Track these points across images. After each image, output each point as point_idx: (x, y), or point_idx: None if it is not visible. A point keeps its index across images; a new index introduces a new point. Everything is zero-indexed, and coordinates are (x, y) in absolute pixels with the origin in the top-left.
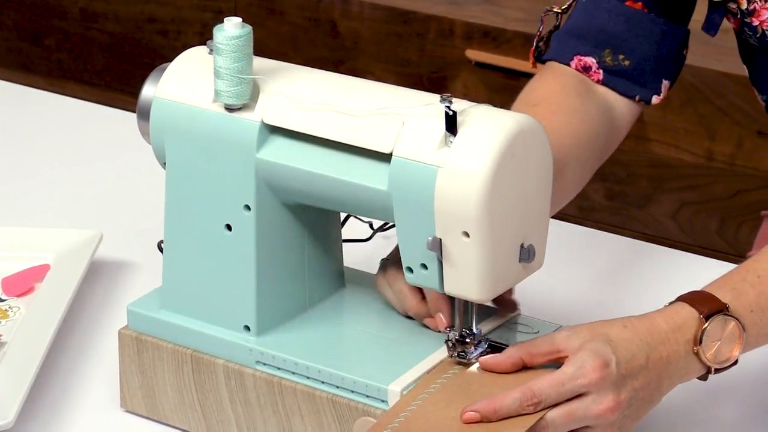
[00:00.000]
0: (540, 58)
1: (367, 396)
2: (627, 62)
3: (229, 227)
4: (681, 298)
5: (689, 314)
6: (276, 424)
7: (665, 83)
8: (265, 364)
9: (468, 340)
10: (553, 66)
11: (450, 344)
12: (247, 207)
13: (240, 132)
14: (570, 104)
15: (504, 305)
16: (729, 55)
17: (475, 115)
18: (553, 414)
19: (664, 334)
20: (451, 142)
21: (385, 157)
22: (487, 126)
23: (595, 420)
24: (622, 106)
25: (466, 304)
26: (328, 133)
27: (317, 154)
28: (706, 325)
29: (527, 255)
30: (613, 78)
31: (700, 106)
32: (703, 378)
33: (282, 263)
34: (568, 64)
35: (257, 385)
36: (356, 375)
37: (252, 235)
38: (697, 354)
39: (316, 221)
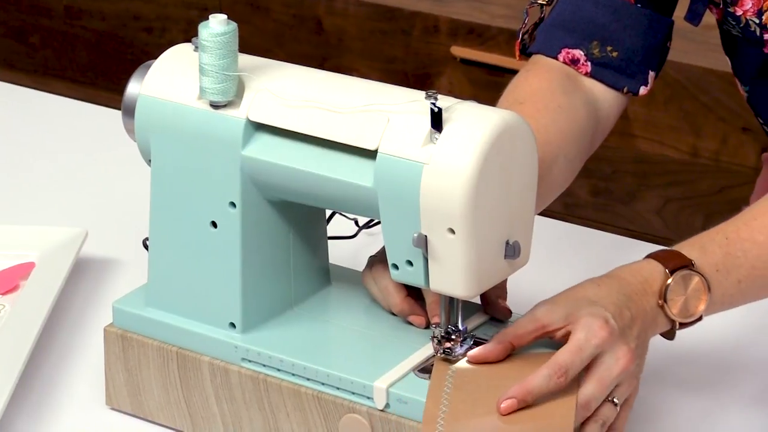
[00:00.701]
0: (525, 51)
1: (353, 393)
2: (615, 54)
3: (214, 224)
4: (648, 255)
5: (654, 268)
6: (261, 422)
7: (651, 74)
8: (250, 361)
9: (454, 336)
10: (540, 60)
11: (436, 341)
12: (233, 204)
13: (225, 129)
14: (556, 102)
15: (498, 312)
16: (714, 51)
17: (461, 112)
18: (587, 389)
19: (634, 287)
20: (437, 138)
21: (371, 154)
22: (473, 123)
23: (620, 376)
24: (609, 99)
25: (452, 301)
26: (313, 130)
27: (302, 151)
28: (670, 279)
29: (512, 252)
30: (602, 70)
31: (685, 102)
32: (670, 336)
33: (267, 260)
34: (556, 57)
35: (243, 383)
36: (342, 372)
37: (237, 232)
38: (662, 308)
39: (302, 218)
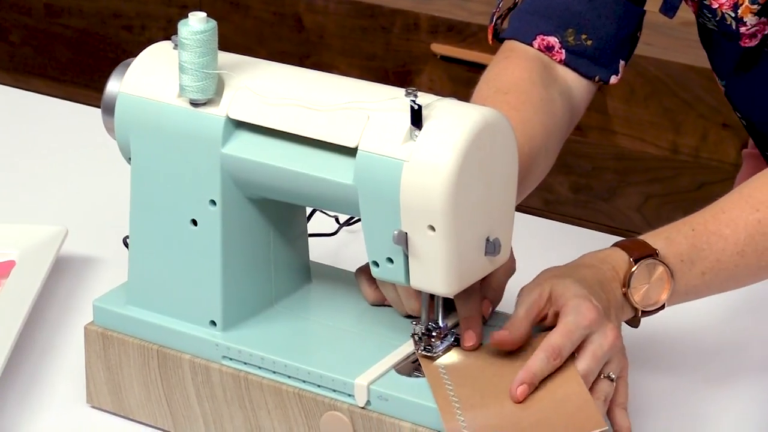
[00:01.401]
0: (499, 36)
1: (334, 390)
2: (589, 42)
3: (194, 222)
4: (615, 243)
5: (620, 257)
6: (243, 419)
7: (622, 63)
8: (231, 359)
9: (434, 333)
10: (515, 47)
11: (416, 338)
12: (213, 202)
13: (205, 127)
14: (538, 94)
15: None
16: (694, 47)
17: (441, 109)
18: (582, 364)
19: (604, 273)
20: (417, 135)
21: (351, 152)
22: (453, 120)
23: (610, 351)
24: (580, 87)
25: (433, 298)
26: (293, 127)
27: (282, 149)
28: (634, 267)
29: (493, 248)
30: (576, 58)
31: (665, 98)
32: (634, 323)
33: (248, 258)
34: (530, 44)
35: (223, 380)
36: (323, 369)
37: (218, 230)
38: (625, 295)
39: (282, 216)
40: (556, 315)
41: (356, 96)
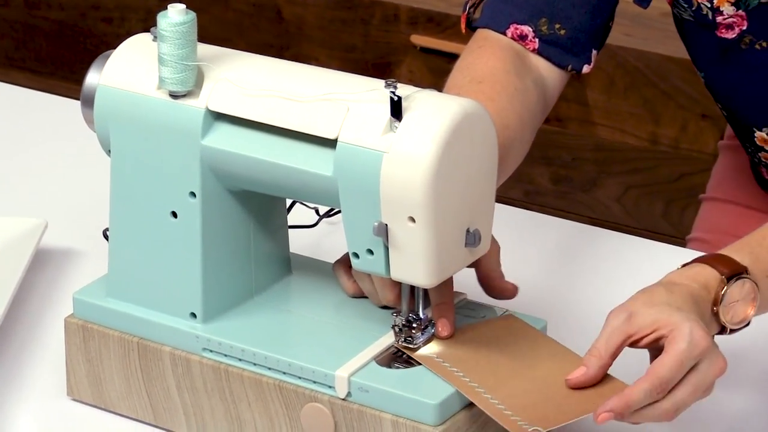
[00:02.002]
0: (472, 25)
1: (314, 382)
2: (563, 32)
3: (174, 214)
4: (700, 260)
5: (711, 275)
6: (223, 411)
7: (594, 53)
8: (211, 351)
9: (415, 325)
10: (488, 36)
11: (396, 329)
12: (193, 194)
13: (185, 119)
14: (512, 83)
15: (505, 291)
16: (673, 38)
17: (420, 101)
18: (680, 394)
19: (697, 292)
20: (396, 127)
21: (330, 143)
22: (432, 111)
23: (714, 380)
24: (553, 77)
25: (413, 289)
26: (272, 119)
27: (262, 141)
28: (726, 286)
29: (473, 240)
30: (549, 48)
31: (645, 89)
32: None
33: (228, 250)
34: (504, 33)
35: (204, 372)
36: (303, 361)
37: (197, 222)
38: (716, 314)
39: (262, 207)
40: (657, 340)
41: (336, 87)
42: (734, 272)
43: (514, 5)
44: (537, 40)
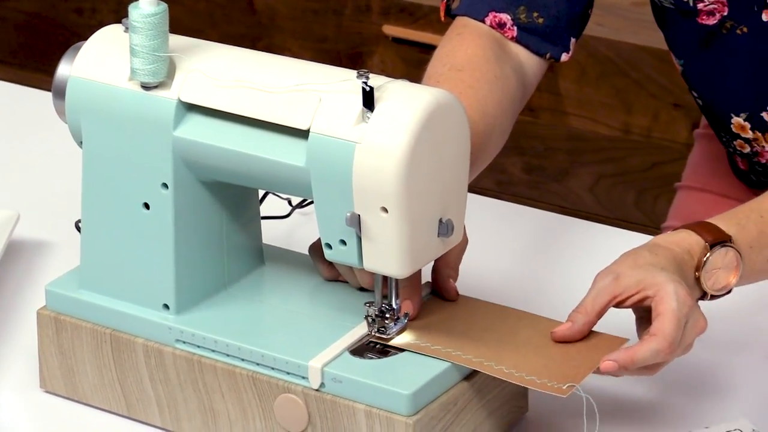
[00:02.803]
0: (451, 13)
1: (288, 373)
2: (541, 20)
3: (146, 206)
4: (686, 226)
5: (695, 241)
6: (196, 403)
7: (573, 41)
8: (184, 342)
9: (388, 315)
10: (467, 23)
11: (370, 320)
12: (165, 185)
13: (156, 110)
14: (492, 71)
15: (447, 292)
16: (646, 28)
17: (392, 91)
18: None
19: (680, 256)
20: (369, 117)
21: (303, 134)
22: (405, 101)
23: (693, 339)
24: (532, 65)
25: (386, 280)
26: (245, 110)
27: (234, 132)
28: (709, 253)
29: (446, 230)
30: (527, 36)
31: (617, 79)
32: None
33: (200, 241)
34: (482, 21)
35: (177, 364)
36: (276, 352)
37: (170, 214)
38: (697, 279)
39: (235, 199)
40: (642, 300)
41: (308, 78)
42: (718, 240)
43: None
44: (515, 28)
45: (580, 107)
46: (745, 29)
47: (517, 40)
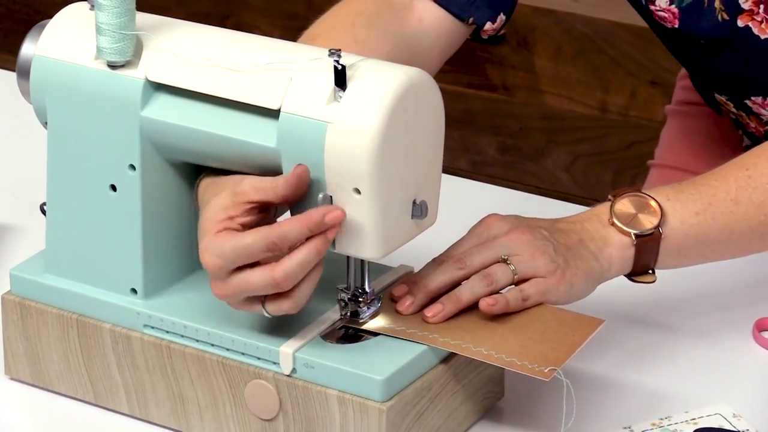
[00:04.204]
0: None
1: (259, 358)
2: None
3: (113, 188)
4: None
5: (601, 205)
6: (165, 389)
7: (501, 17)
8: (153, 327)
9: (361, 299)
10: None
11: (342, 304)
12: (132, 167)
13: (123, 89)
14: (353, 36)
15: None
16: (622, 4)
17: (365, 69)
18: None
19: (573, 218)
20: (341, 97)
21: (273, 114)
22: (377, 80)
23: (506, 241)
24: (444, 29)
25: (359, 263)
26: (214, 89)
27: (203, 112)
28: (617, 200)
29: (420, 211)
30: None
31: (593, 56)
32: (646, 278)
33: (169, 224)
34: None
35: (145, 349)
36: (247, 337)
37: (137, 196)
38: (613, 225)
39: None
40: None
41: (278, 57)
42: (623, 192)
43: None
44: None
45: (557, 85)
46: (702, 41)
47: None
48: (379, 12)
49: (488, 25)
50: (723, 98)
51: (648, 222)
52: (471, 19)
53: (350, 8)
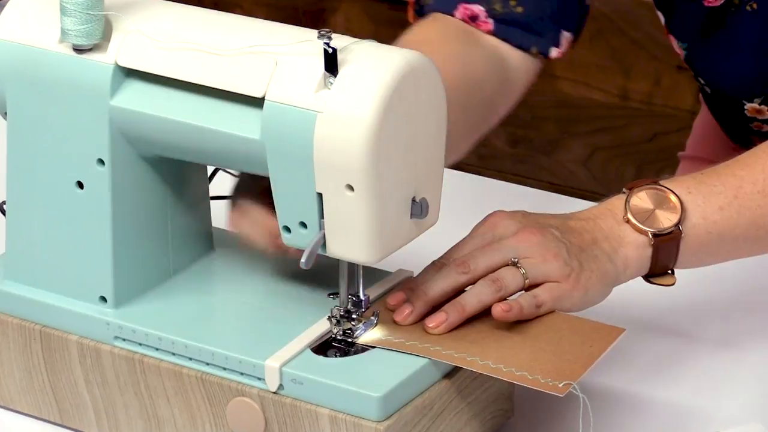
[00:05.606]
0: (422, 12)
1: (242, 374)
2: (520, 9)
3: (80, 185)
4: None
5: (616, 197)
6: (138, 408)
7: (566, 35)
8: (124, 339)
9: (354, 316)
10: (437, 17)
11: (334, 320)
12: (101, 161)
13: (91, 76)
14: (449, 50)
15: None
16: None
17: (358, 53)
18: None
19: (584, 214)
20: (331, 83)
21: (257, 102)
22: (372, 64)
23: (513, 244)
24: (516, 59)
25: (352, 267)
26: (191, 75)
27: (180, 100)
28: (630, 194)
29: (420, 210)
30: (505, 28)
31: (613, 38)
32: (665, 280)
33: (142, 225)
34: (452, 14)
35: (116, 364)
36: (228, 350)
37: (107, 194)
38: (628, 222)
39: (180, 176)
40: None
41: (262, 39)
42: (640, 184)
43: None
44: (491, 20)
45: (572, 70)
46: (755, 5)
47: (494, 33)
48: (462, 35)
49: (554, 52)
50: (755, 104)
51: (666, 220)
52: (534, 49)
53: (437, 29)
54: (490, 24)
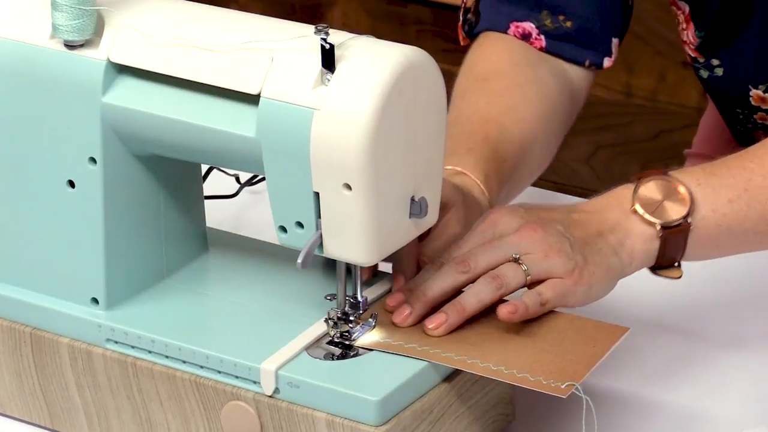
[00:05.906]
0: (471, 33)
1: (237, 377)
2: (569, 23)
3: (72, 184)
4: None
5: (623, 188)
6: (131, 412)
7: (615, 41)
8: (116, 342)
9: (352, 318)
10: (491, 35)
11: (331, 323)
12: (93, 160)
13: (83, 72)
14: (522, 74)
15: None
16: None
17: (356, 49)
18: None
19: (590, 207)
20: (328, 80)
21: (253, 99)
22: (370, 61)
23: (514, 240)
24: (576, 72)
25: (349, 269)
26: (185, 72)
27: (173, 97)
28: (638, 184)
29: (419, 210)
30: (558, 44)
31: None
32: (672, 272)
33: (134, 225)
34: (506, 33)
35: (108, 367)
36: (223, 353)
37: (99, 193)
38: (635, 213)
39: (174, 175)
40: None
41: (258, 35)
42: (648, 175)
43: (510, 1)
44: (543, 37)
45: None
46: None
47: (547, 50)
48: (526, 53)
49: (607, 62)
50: (759, 92)
51: (675, 212)
52: (587, 62)
53: (501, 50)
54: (543, 41)
